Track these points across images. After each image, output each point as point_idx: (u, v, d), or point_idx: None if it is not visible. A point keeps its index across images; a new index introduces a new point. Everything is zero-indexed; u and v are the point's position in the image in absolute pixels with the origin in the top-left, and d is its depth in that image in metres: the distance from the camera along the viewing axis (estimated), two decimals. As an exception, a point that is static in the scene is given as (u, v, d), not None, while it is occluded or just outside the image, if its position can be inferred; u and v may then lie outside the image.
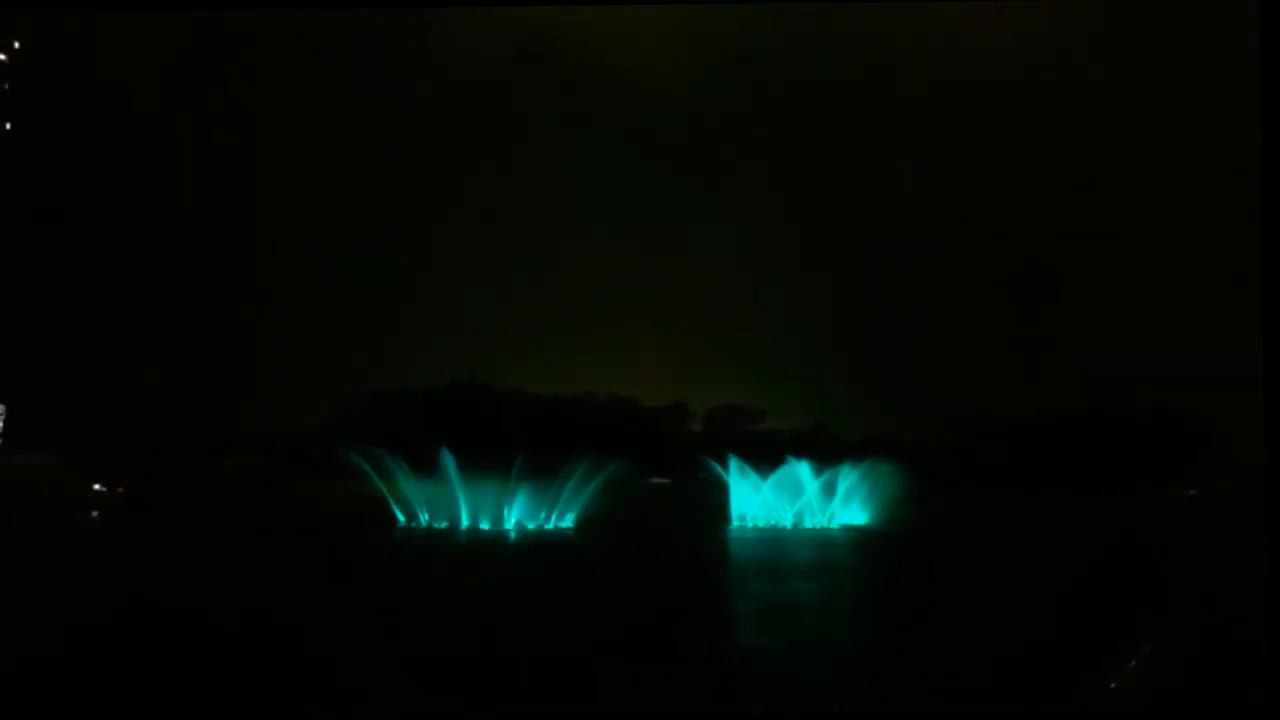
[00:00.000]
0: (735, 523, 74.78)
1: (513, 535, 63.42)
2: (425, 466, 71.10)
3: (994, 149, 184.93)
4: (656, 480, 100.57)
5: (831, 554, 51.35)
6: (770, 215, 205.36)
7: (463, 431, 71.59)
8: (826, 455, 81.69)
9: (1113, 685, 15.79)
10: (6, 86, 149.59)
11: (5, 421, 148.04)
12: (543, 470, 71.31)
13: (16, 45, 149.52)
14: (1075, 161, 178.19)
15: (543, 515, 70.38)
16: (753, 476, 77.13)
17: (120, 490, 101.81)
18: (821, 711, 15.12)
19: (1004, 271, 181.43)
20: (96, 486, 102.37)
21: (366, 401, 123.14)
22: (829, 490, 78.19)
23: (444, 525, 67.02)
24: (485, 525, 66.71)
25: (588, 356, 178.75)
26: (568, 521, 70.32)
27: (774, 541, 59.38)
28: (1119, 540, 60.67)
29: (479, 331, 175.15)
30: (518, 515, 69.44)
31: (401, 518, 68.59)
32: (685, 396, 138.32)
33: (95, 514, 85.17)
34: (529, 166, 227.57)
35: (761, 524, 74.16)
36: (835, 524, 75.95)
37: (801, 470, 77.37)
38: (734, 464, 77.84)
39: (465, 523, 67.30)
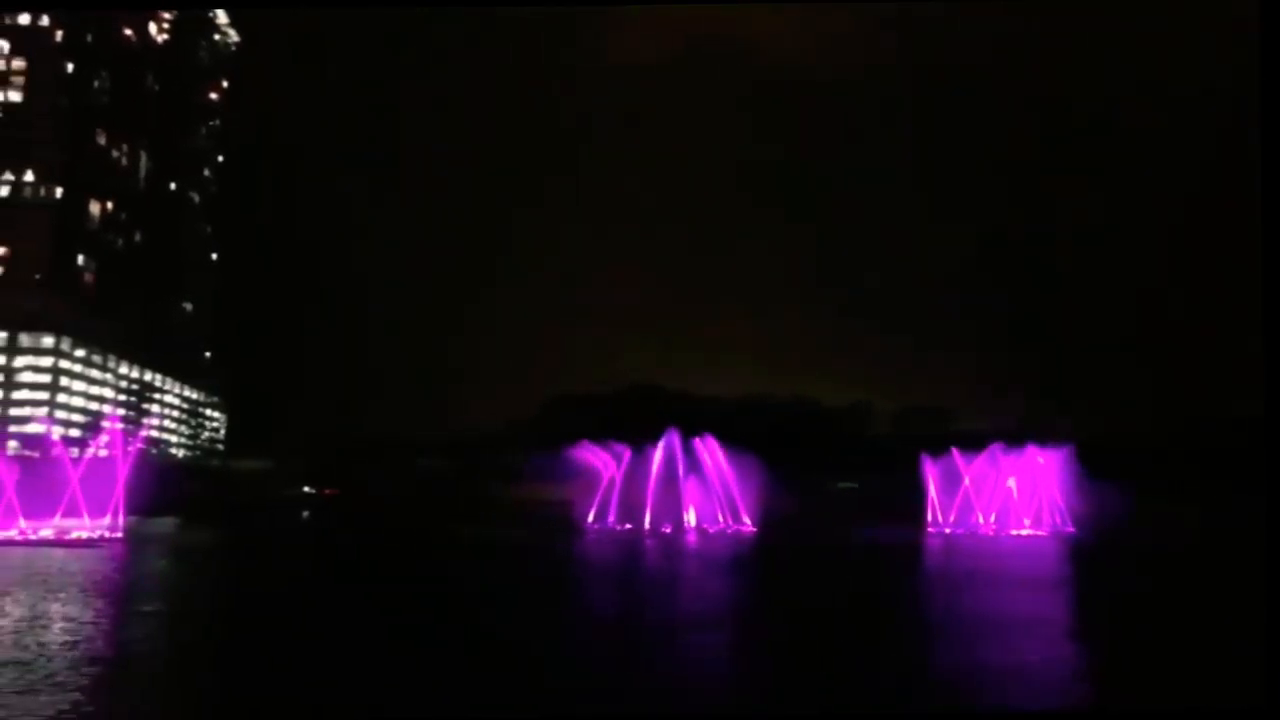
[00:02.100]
0: (931, 528, 70.05)
1: (694, 537, 62.02)
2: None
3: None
4: (844, 484, 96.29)
5: (1048, 564, 46.47)
6: (949, 220, 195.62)
7: (640, 435, 71.15)
8: (1025, 458, 74.97)
9: None
10: (217, 123, 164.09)
11: (227, 430, 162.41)
12: (721, 473, 69.66)
13: (225, 84, 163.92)
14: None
15: (722, 518, 68.67)
16: (948, 479, 72.07)
17: (329, 492, 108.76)
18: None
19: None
20: (306, 489, 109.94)
21: (546, 406, 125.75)
22: (1033, 494, 72.05)
23: (627, 527, 66.71)
24: (667, 529, 65.87)
25: (764, 357, 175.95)
26: (747, 524, 68.22)
27: (982, 549, 54.74)
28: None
29: (655, 335, 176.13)
30: (697, 517, 68.22)
31: (589, 519, 69.08)
32: (869, 396, 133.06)
33: (306, 514, 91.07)
34: (704, 169, 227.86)
35: (961, 529, 69.06)
36: (1044, 529, 69.77)
37: (1005, 474, 71.55)
38: (927, 466, 73.11)
39: (648, 524, 66.86)
